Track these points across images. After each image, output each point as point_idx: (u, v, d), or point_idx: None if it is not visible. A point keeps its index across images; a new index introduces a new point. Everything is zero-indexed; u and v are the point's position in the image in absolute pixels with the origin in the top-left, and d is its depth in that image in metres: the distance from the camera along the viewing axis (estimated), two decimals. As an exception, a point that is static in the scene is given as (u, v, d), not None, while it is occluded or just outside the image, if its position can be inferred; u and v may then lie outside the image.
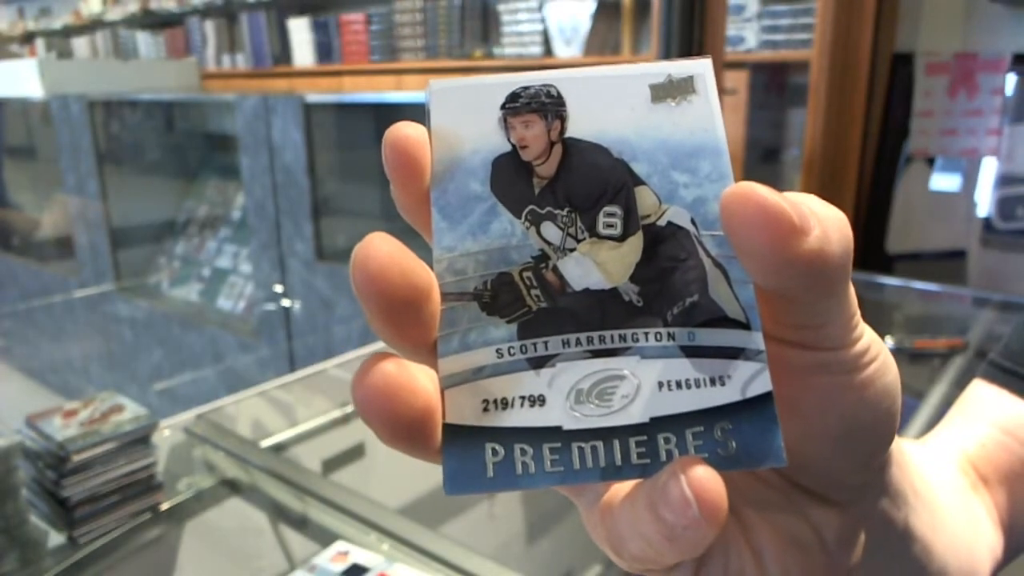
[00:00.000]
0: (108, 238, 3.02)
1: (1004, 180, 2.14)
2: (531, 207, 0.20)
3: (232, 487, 0.91)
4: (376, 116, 2.41)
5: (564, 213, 0.20)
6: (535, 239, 0.20)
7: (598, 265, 0.20)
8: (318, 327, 2.29)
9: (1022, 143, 2.10)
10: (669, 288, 0.20)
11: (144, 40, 5.08)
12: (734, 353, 0.19)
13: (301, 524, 0.84)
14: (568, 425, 0.19)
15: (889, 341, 1.29)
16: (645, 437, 0.19)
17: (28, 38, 6.28)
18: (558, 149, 0.21)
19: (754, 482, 0.22)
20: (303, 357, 2.37)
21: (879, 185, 2.28)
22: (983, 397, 0.40)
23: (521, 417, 0.19)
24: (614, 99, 0.21)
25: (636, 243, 0.20)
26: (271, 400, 1.13)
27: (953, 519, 0.30)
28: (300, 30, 4.04)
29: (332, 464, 1.01)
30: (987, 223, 2.17)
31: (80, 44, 5.73)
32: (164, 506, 0.83)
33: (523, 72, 0.21)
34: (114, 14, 5.16)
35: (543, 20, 3.10)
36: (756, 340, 0.19)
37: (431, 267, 0.19)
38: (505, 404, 0.19)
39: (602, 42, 3.02)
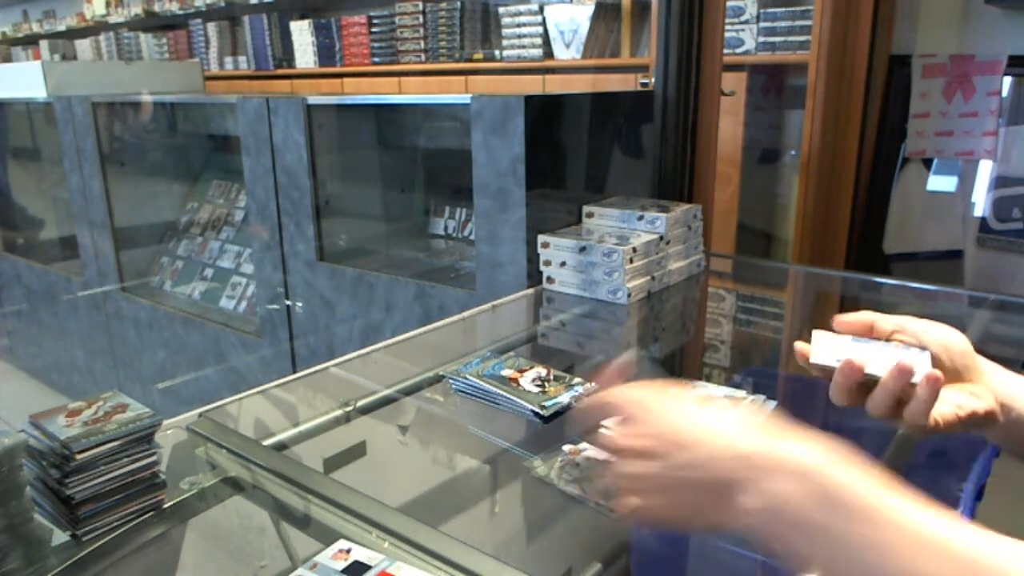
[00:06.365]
0: (111, 238, 3.03)
1: (1000, 181, 2.14)
2: None
3: (234, 485, 0.91)
4: (377, 118, 2.41)
5: None
6: None
7: None
8: (320, 327, 2.30)
9: (1018, 144, 2.10)
10: None
11: (147, 42, 5.09)
12: None
13: (303, 522, 0.84)
14: None
15: (885, 341, 1.29)
16: None
17: (32, 40, 6.29)
18: None
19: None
20: (305, 357, 2.38)
21: (876, 186, 2.29)
22: None
23: None
24: None
25: None
26: (273, 399, 1.13)
27: None
28: (302, 32, 4.05)
29: (333, 463, 1.01)
30: (983, 224, 2.18)
31: (84, 46, 5.75)
32: (167, 504, 0.84)
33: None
34: (118, 17, 5.17)
35: (543, 22, 3.10)
36: None
37: None
38: None
39: (602, 44, 3.03)
